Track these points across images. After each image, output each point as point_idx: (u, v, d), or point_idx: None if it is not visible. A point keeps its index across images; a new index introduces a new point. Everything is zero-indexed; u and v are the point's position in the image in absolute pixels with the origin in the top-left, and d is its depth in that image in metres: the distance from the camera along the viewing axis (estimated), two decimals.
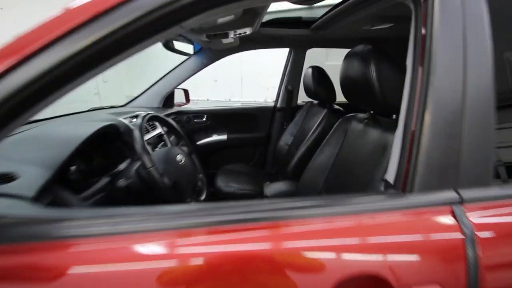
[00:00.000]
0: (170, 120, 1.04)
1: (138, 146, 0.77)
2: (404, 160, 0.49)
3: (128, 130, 1.08)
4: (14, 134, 0.74)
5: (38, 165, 0.61)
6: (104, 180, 0.84)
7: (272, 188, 1.33)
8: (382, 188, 0.53)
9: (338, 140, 1.05)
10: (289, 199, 0.51)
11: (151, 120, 0.94)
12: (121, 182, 0.79)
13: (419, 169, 0.47)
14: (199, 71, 1.74)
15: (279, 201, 0.50)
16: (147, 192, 0.83)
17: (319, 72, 1.47)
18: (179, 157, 0.92)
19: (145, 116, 0.89)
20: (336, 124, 1.09)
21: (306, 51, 1.87)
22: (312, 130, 1.45)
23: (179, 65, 1.71)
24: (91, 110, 1.56)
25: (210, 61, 1.72)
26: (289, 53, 1.92)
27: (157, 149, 1.12)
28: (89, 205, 0.73)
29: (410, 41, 0.52)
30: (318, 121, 1.45)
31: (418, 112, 0.48)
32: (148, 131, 1.23)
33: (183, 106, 2.01)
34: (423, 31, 0.49)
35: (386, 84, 0.72)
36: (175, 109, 1.89)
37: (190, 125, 1.96)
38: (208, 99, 5.38)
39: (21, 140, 0.72)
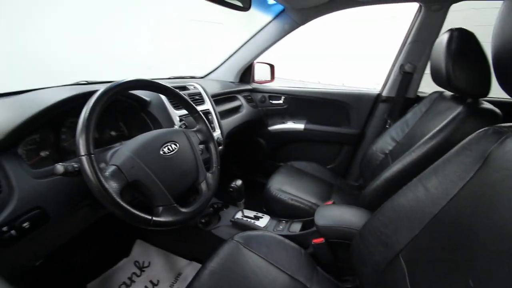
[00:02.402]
0: (176, 91, 0.78)
1: (80, 120, 0.52)
2: None
3: (158, 101, 0.95)
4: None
5: None
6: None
7: (325, 213, 0.87)
8: None
9: (465, 170, 0.48)
10: None
11: (132, 89, 0.68)
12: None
13: None
14: (279, 39, 1.40)
15: None
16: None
17: (465, 40, 0.79)
18: (172, 145, 0.68)
19: (121, 84, 0.61)
20: (472, 136, 0.50)
21: (448, 7, 1.11)
22: (427, 136, 0.83)
23: (256, 33, 1.43)
24: (171, 78, 1.58)
25: (293, 25, 1.33)
26: (417, 12, 1.21)
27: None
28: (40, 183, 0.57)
29: None
30: (443, 124, 0.81)
31: None
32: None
33: (264, 84, 1.75)
34: None
35: None
36: (251, 85, 1.67)
37: (264, 106, 1.69)
38: (319, 82, 4.81)
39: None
